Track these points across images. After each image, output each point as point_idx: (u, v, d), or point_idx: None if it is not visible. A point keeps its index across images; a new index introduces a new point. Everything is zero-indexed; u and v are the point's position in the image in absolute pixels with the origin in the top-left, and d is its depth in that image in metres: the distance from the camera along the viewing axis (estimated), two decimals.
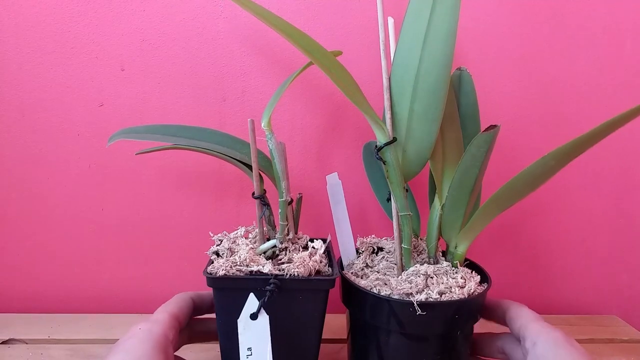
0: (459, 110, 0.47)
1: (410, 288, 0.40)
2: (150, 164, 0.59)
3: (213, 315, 0.44)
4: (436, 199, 0.46)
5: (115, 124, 0.58)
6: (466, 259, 0.47)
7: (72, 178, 0.59)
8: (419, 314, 0.38)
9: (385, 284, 0.43)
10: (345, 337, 0.52)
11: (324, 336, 0.55)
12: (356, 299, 0.43)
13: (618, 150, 0.63)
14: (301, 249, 0.46)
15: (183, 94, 0.58)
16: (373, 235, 0.53)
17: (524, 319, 0.41)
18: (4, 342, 0.53)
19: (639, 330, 0.62)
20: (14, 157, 0.58)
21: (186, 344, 0.45)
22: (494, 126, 0.38)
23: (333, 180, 0.48)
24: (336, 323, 0.57)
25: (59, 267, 0.61)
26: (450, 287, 0.41)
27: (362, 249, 0.50)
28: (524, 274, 0.66)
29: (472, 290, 0.41)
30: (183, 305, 0.43)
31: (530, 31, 0.59)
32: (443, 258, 0.47)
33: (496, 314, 0.44)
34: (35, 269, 0.61)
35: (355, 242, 0.51)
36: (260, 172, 0.45)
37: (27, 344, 0.53)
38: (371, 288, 0.42)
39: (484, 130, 0.38)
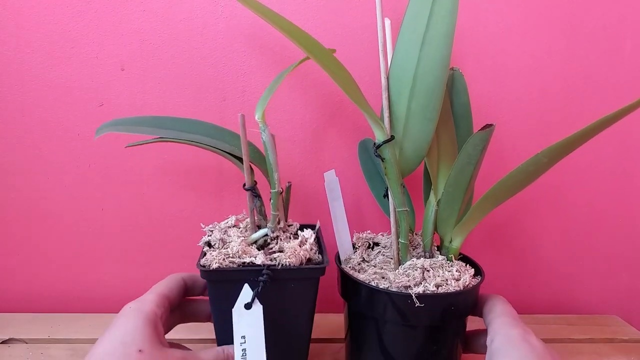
0: (452, 109, 0.48)
1: (408, 281, 0.42)
2: (150, 164, 0.59)
3: (205, 297, 0.45)
4: (432, 195, 0.47)
5: None
6: (460, 254, 0.49)
7: (72, 178, 0.59)
8: (417, 305, 0.39)
9: (383, 278, 0.44)
10: (344, 336, 0.52)
11: (323, 336, 0.55)
12: (355, 292, 0.44)
13: (619, 149, 0.63)
14: (292, 237, 0.47)
15: (183, 93, 0.58)
16: (369, 231, 0.53)
17: (493, 314, 0.41)
18: (4, 342, 0.53)
19: (639, 330, 0.62)
20: (14, 156, 0.58)
21: (178, 324, 0.46)
22: (490, 125, 0.39)
23: (331, 177, 0.49)
24: (337, 323, 0.57)
25: (59, 267, 0.62)
26: (447, 280, 0.42)
27: (359, 244, 0.51)
28: (523, 274, 0.66)
29: (467, 283, 0.42)
30: (173, 286, 0.44)
31: (531, 30, 0.59)
32: (438, 252, 0.48)
33: (478, 308, 0.44)
34: (35, 268, 0.61)
35: (352, 237, 0.51)
36: (250, 164, 0.46)
37: (27, 343, 0.53)
38: (370, 281, 0.43)
39: (480, 130, 0.39)
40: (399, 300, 0.40)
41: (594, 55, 0.60)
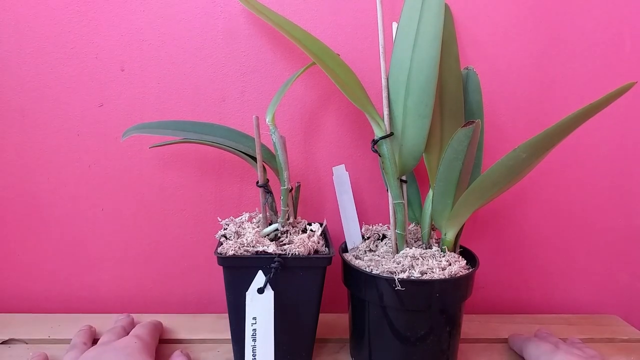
0: (465, 107, 0.50)
1: (396, 267, 0.45)
2: (150, 164, 0.59)
3: None
4: (430, 190, 0.49)
5: (115, 124, 0.58)
6: (461, 247, 0.51)
7: (72, 178, 0.59)
8: (398, 289, 0.42)
9: (379, 265, 0.47)
10: (347, 337, 0.54)
11: (325, 336, 0.56)
12: (352, 277, 0.48)
13: (619, 148, 0.63)
14: (300, 232, 0.50)
15: (182, 94, 0.58)
16: (380, 224, 0.55)
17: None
18: (4, 342, 0.53)
19: (639, 330, 0.62)
20: (14, 157, 0.58)
21: None
22: (473, 122, 0.40)
23: (340, 172, 0.52)
24: (337, 323, 0.58)
25: (59, 267, 0.62)
26: (432, 268, 0.45)
27: (368, 235, 0.54)
28: (524, 273, 0.66)
29: (453, 272, 0.44)
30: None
31: (532, 31, 0.59)
32: (437, 244, 0.50)
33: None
34: (35, 269, 0.61)
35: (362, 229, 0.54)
36: (263, 163, 0.49)
37: (27, 344, 0.53)
38: (364, 267, 0.46)
39: (463, 125, 0.41)
40: (385, 284, 0.43)
41: (595, 55, 0.60)
